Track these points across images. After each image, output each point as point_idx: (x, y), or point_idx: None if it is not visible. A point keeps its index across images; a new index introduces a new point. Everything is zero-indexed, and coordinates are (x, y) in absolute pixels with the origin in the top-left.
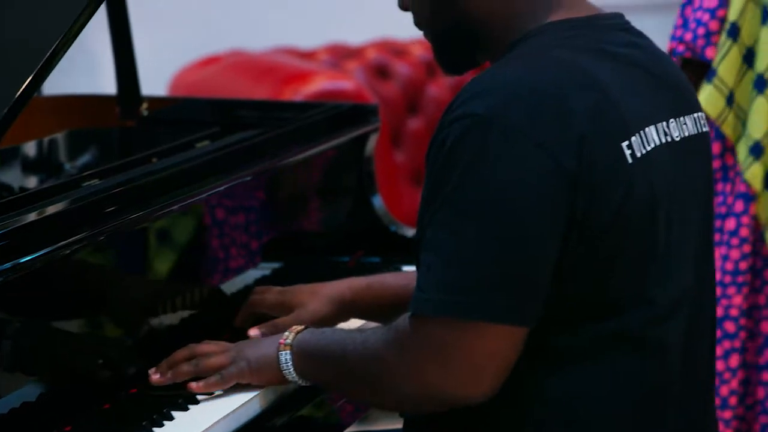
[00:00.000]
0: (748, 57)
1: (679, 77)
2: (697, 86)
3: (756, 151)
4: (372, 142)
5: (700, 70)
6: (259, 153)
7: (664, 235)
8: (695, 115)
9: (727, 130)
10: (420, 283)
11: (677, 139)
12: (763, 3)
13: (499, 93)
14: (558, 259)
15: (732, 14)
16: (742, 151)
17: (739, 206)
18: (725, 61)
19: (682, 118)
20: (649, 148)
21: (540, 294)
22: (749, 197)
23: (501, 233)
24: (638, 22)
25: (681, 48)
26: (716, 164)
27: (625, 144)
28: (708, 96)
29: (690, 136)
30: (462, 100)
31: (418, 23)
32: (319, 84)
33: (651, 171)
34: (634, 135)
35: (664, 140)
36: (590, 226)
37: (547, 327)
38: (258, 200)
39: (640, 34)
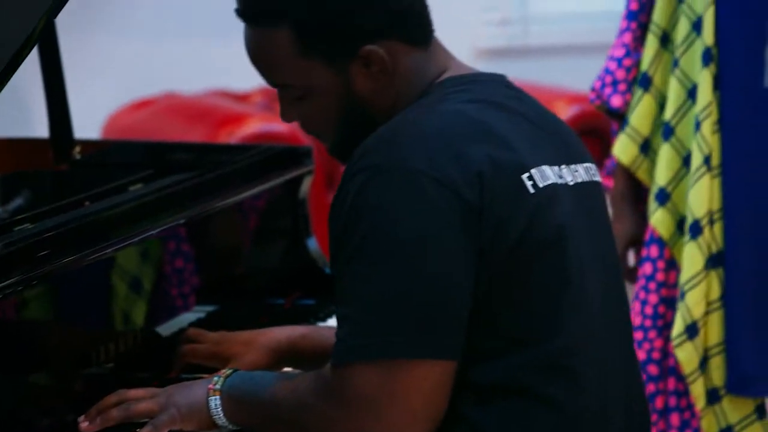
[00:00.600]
0: (663, 106)
1: (564, 129)
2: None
3: (661, 197)
4: (306, 185)
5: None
6: (193, 196)
7: (574, 265)
8: (586, 164)
9: (643, 176)
10: (339, 335)
11: (571, 183)
12: (674, 53)
13: (396, 143)
14: (473, 291)
15: (644, 64)
16: (650, 197)
17: (654, 251)
18: (637, 110)
19: (573, 166)
20: (548, 182)
21: (460, 326)
22: (663, 242)
23: (413, 272)
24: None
25: (592, 96)
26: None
27: (525, 176)
28: (621, 144)
29: (584, 183)
30: (360, 155)
31: (307, 129)
32: (254, 127)
33: (553, 203)
34: (532, 168)
35: (560, 181)
36: (499, 256)
37: (467, 361)
38: (192, 243)
39: (522, 92)
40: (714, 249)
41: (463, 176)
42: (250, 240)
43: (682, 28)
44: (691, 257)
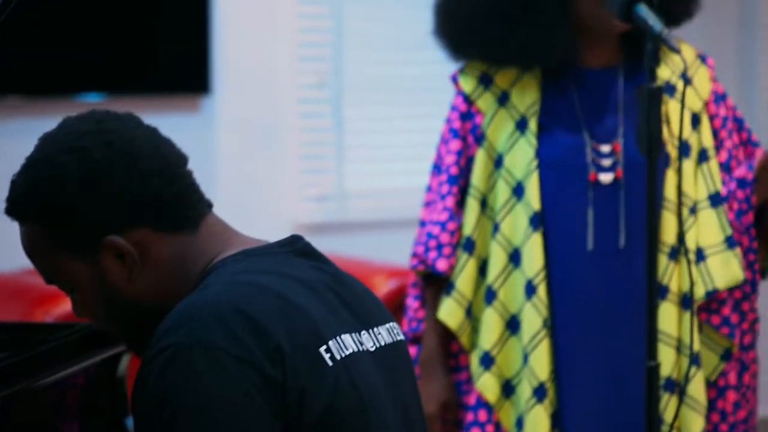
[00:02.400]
0: (483, 269)
1: (365, 293)
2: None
3: (486, 361)
4: (124, 363)
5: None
6: (8, 376)
7: None
8: (388, 325)
9: (465, 342)
10: None
11: (372, 349)
12: (494, 218)
13: (193, 320)
14: None
15: (467, 228)
16: (474, 361)
17: (482, 415)
18: (462, 274)
19: (375, 329)
20: (348, 352)
21: None
22: (490, 406)
23: None
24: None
25: (414, 261)
26: (464, 376)
27: (323, 348)
28: (448, 308)
29: (387, 345)
30: (159, 336)
31: (94, 324)
32: (70, 305)
33: (354, 373)
34: (330, 340)
35: (361, 348)
36: (305, 429)
37: None
38: (8, 423)
39: (322, 258)
40: (551, 410)
41: (264, 351)
42: (68, 420)
43: (502, 193)
44: (535, 422)
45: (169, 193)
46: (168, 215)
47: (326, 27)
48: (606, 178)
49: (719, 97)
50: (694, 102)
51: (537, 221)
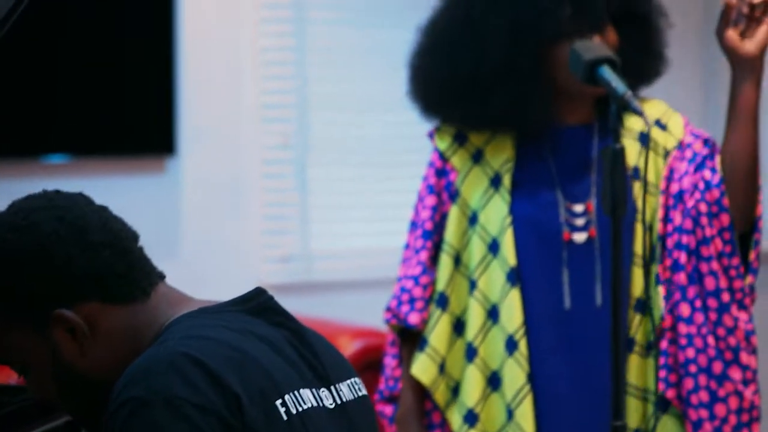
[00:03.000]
0: (458, 326)
1: (327, 349)
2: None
3: (470, 419)
4: None
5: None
6: None
7: None
8: (350, 381)
9: (439, 398)
10: None
11: (331, 405)
12: (470, 275)
13: (152, 374)
14: None
15: (440, 284)
16: (456, 419)
17: None
18: (436, 330)
19: (336, 385)
20: (305, 407)
21: None
22: None
23: None
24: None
25: (387, 315)
26: None
27: (278, 402)
28: (421, 364)
29: (348, 401)
30: (118, 391)
31: (54, 402)
32: None
33: (310, 428)
34: (287, 394)
35: (320, 404)
36: None
37: None
38: None
39: (283, 312)
40: None
41: (224, 401)
42: None
43: (477, 250)
44: None
45: (119, 266)
46: (118, 287)
47: (290, 88)
48: (580, 237)
49: (688, 145)
50: (667, 141)
51: (514, 277)
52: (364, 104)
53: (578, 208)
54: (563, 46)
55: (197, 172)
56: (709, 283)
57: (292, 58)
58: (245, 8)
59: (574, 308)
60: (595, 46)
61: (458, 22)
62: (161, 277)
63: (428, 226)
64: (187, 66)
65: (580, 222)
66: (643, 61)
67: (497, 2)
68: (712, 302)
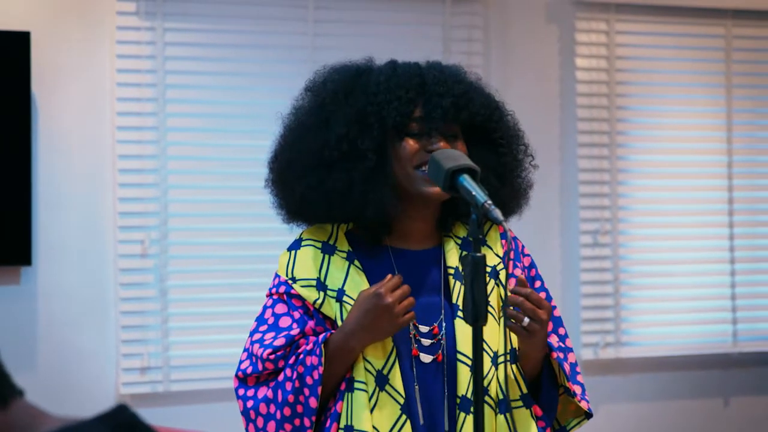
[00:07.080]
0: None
1: None
2: None
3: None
4: None
5: None
6: None
7: None
8: None
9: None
10: None
11: None
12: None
13: None
14: None
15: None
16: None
17: None
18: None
19: None
20: None
21: None
22: None
23: None
24: None
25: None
26: None
27: None
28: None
29: None
30: None
31: None
32: None
33: None
34: None
35: None
36: None
37: None
38: None
39: (146, 428)
40: None
41: None
42: None
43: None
44: None
45: None
46: None
47: (150, 197)
48: (426, 358)
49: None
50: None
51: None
52: (223, 213)
53: (424, 329)
54: (407, 143)
55: (53, 282)
56: None
57: (152, 165)
58: (104, 114)
59: (427, 424)
60: (456, 155)
61: (312, 113)
62: (20, 393)
63: (294, 332)
64: (44, 174)
65: (427, 342)
66: (506, 199)
67: (349, 94)
68: None
